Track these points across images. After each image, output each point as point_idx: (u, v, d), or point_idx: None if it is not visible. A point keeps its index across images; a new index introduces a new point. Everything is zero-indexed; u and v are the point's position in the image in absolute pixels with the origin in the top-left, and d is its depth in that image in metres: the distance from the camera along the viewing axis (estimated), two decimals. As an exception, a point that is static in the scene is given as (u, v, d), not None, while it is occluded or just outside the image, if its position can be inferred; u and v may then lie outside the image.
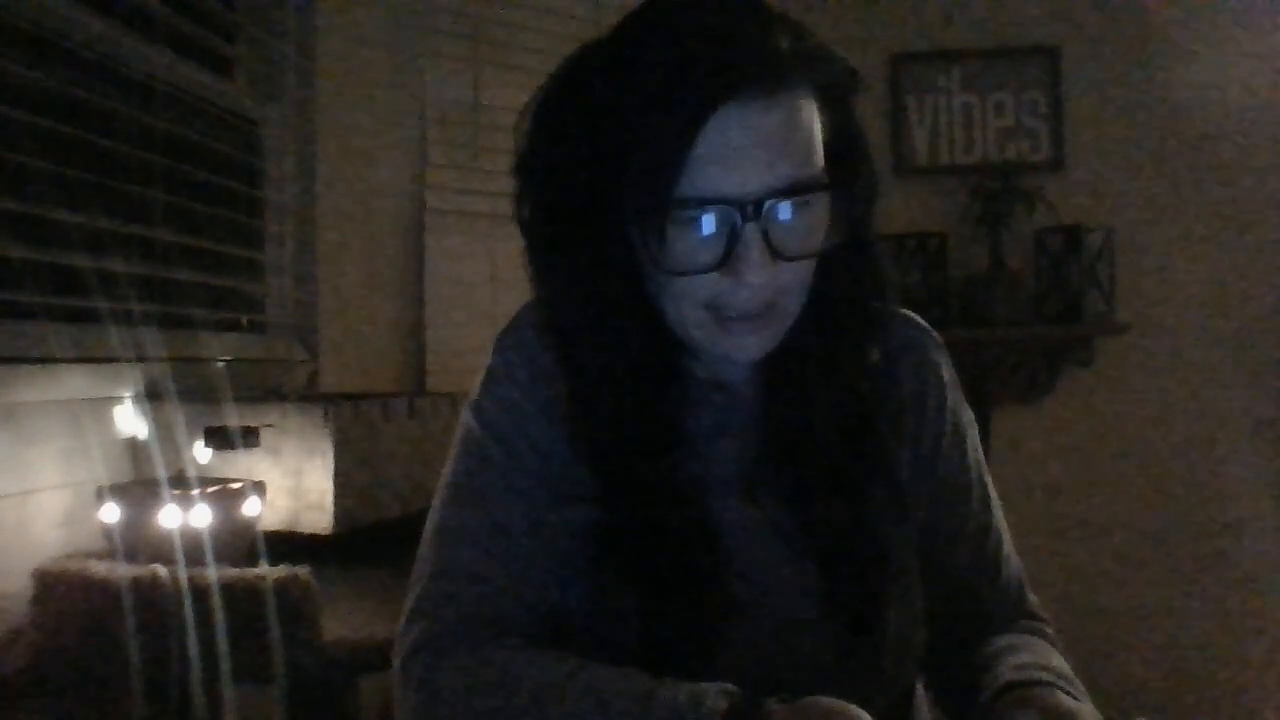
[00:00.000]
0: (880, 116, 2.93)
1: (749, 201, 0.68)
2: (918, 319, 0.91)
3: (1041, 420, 2.92)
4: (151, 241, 1.63)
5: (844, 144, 0.76)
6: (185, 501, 1.29)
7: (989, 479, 0.92)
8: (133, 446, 1.49)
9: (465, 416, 0.83)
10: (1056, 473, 2.91)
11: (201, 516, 1.30)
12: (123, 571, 1.19)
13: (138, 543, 1.28)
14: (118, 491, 1.31)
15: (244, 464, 1.46)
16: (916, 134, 2.97)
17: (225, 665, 1.15)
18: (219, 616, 1.16)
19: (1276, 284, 2.87)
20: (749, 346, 0.75)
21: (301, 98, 2.06)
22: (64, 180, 1.41)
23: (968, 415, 0.91)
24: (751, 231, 0.69)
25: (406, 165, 2.40)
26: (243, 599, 1.17)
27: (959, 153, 2.96)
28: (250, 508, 1.38)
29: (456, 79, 2.45)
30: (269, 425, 1.47)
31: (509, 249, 2.65)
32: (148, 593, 1.17)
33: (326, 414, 1.45)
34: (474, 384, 0.84)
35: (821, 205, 0.72)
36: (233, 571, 1.21)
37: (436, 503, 0.82)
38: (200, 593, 1.17)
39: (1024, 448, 2.88)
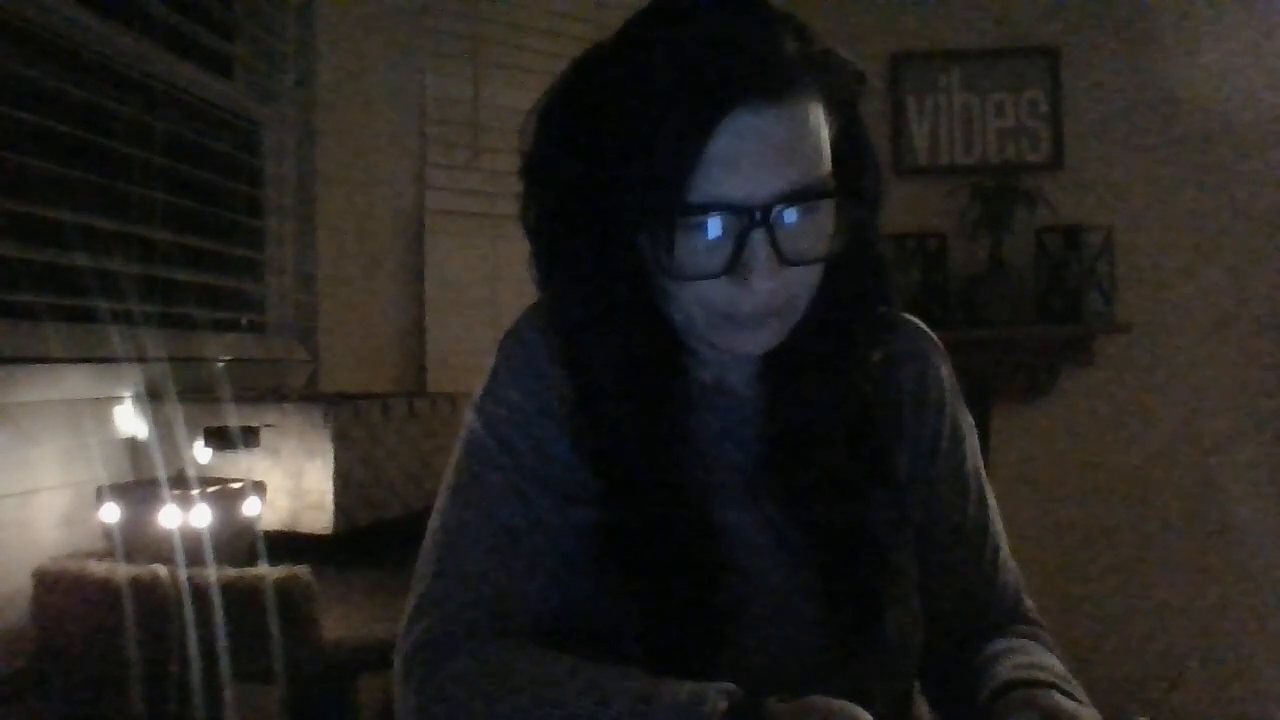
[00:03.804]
0: (880, 116, 2.93)
1: (756, 207, 0.68)
2: (920, 324, 0.91)
3: (1041, 420, 2.92)
4: (151, 241, 1.63)
5: (850, 147, 0.75)
6: (185, 501, 1.29)
7: (987, 485, 0.92)
8: (133, 446, 1.49)
9: (469, 417, 0.83)
10: (1056, 473, 2.91)
11: (201, 516, 1.29)
12: (123, 571, 1.19)
13: (138, 543, 1.28)
14: (118, 491, 1.31)
15: (244, 464, 1.46)
16: (916, 134, 2.97)
17: (225, 665, 1.15)
18: (219, 616, 1.16)
19: (1276, 284, 2.87)
20: (754, 343, 0.76)
21: (301, 98, 2.06)
22: (64, 180, 1.41)
23: (967, 420, 0.91)
24: (759, 237, 0.69)
25: (406, 165, 2.40)
26: (243, 599, 1.17)
27: (959, 153, 2.97)
28: (250, 508, 1.38)
29: (456, 79, 2.45)
30: (269, 425, 1.47)
31: (509, 249, 2.65)
32: (148, 593, 1.17)
33: (326, 414, 1.45)
34: (477, 385, 0.84)
35: (828, 209, 0.72)
36: (233, 571, 1.21)
37: (439, 503, 0.82)
38: (200, 593, 1.17)
39: (1024, 448, 2.88)
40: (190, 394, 1.52)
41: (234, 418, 1.45)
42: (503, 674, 0.72)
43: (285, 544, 1.38)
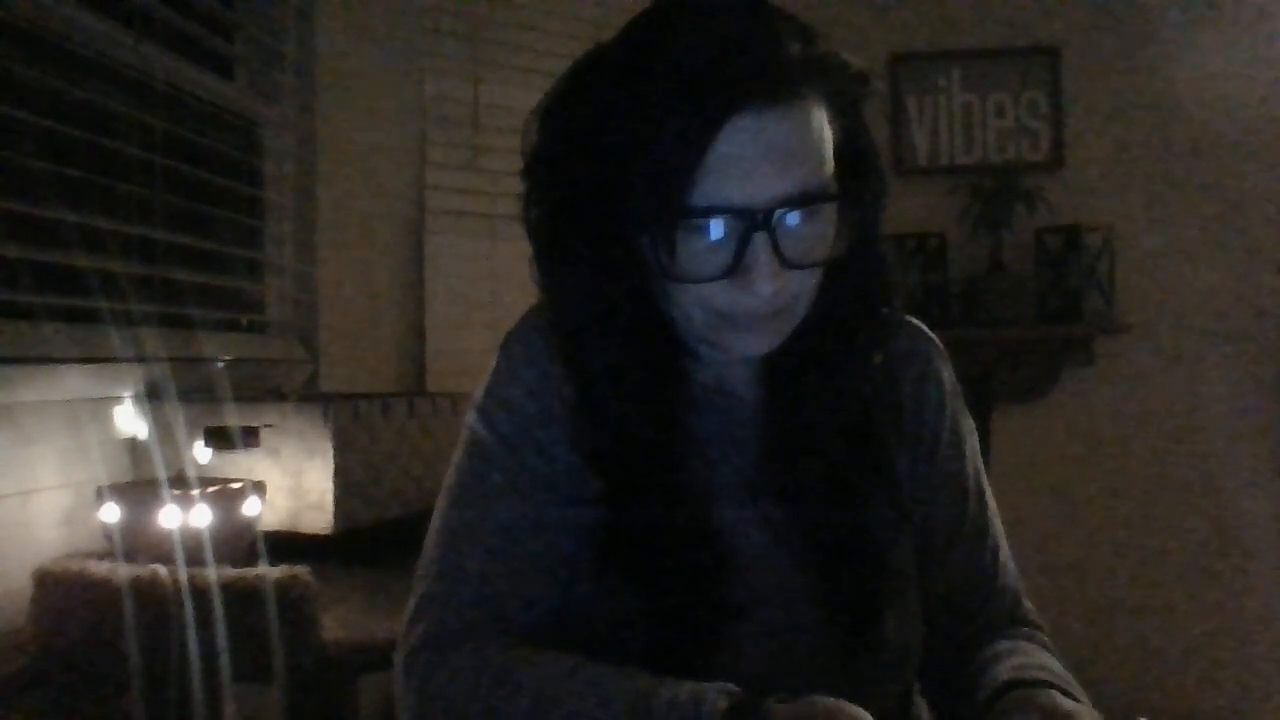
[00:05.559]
0: (880, 116, 2.93)
1: (759, 210, 0.68)
2: (922, 326, 0.91)
3: (1041, 420, 2.92)
4: (151, 241, 1.63)
5: (853, 150, 0.75)
6: (185, 501, 1.29)
7: (987, 487, 0.92)
8: (133, 446, 1.49)
9: (470, 418, 0.83)
10: (1056, 473, 2.91)
11: (201, 516, 1.29)
12: (123, 571, 1.19)
13: (138, 543, 1.27)
14: (118, 491, 1.31)
15: (244, 464, 1.46)
16: (916, 134, 2.98)
17: (225, 665, 1.15)
18: (219, 616, 1.15)
19: (1276, 284, 2.87)
20: (754, 345, 0.76)
21: (301, 98, 2.06)
22: (64, 180, 1.41)
23: (967, 422, 0.91)
24: (761, 240, 0.69)
25: (406, 165, 2.40)
26: (243, 599, 1.17)
27: (959, 153, 2.97)
28: (250, 508, 1.38)
29: (456, 79, 2.45)
30: (269, 425, 1.47)
31: (509, 249, 2.65)
32: (148, 593, 1.17)
33: (326, 414, 1.45)
34: (479, 386, 0.84)
35: (830, 212, 0.72)
36: (233, 571, 1.21)
37: (441, 503, 0.82)
38: (200, 593, 1.17)
39: (1024, 448, 2.88)
40: (190, 394, 1.52)
41: (234, 418, 1.45)
42: (503, 674, 0.72)
43: (285, 544, 1.38)
